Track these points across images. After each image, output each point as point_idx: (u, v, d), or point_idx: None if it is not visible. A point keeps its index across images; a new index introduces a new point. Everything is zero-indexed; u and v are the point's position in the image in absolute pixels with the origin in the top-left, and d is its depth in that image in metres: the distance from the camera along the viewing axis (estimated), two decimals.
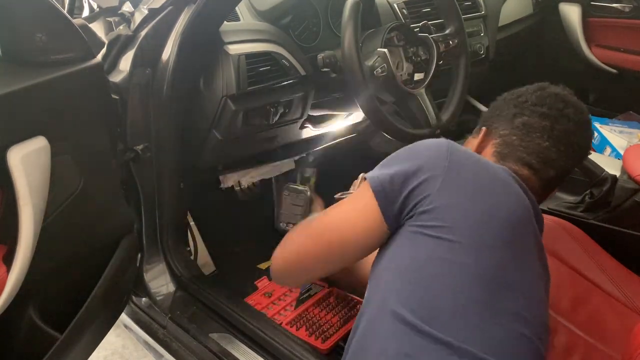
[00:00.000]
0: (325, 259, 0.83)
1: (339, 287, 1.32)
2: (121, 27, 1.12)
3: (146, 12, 1.09)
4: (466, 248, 0.69)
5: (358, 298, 1.34)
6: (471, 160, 0.76)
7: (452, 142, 0.78)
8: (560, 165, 0.84)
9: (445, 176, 0.72)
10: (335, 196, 1.15)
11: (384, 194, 0.74)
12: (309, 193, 1.42)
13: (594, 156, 1.35)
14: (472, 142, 0.94)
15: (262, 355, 1.08)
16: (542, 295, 0.76)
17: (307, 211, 1.42)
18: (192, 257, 1.38)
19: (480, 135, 0.92)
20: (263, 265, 1.55)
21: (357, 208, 0.79)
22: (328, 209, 0.85)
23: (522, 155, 0.83)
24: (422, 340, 0.66)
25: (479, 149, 0.91)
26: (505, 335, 0.68)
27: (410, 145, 0.80)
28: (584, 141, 0.87)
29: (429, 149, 0.77)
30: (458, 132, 1.66)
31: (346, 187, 1.17)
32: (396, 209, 0.74)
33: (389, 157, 0.80)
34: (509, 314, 0.69)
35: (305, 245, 0.85)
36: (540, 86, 0.90)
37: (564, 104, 0.85)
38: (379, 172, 0.77)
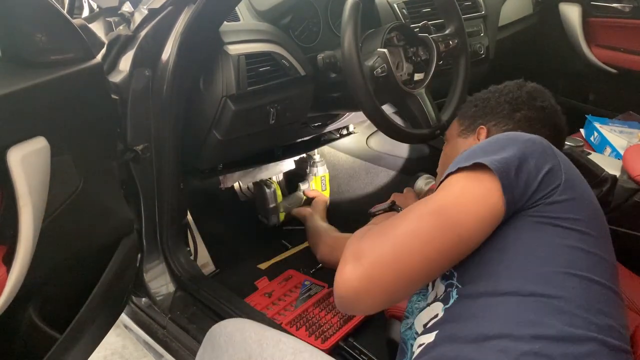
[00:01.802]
0: (446, 255, 0.68)
1: (330, 264, 1.30)
2: (121, 28, 1.12)
3: (146, 12, 1.09)
4: (597, 239, 0.70)
5: None
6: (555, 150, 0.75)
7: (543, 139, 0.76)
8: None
9: (564, 168, 0.71)
10: (370, 211, 1.15)
11: (508, 180, 0.67)
12: (272, 187, 1.56)
13: (594, 156, 1.35)
14: (471, 142, 0.95)
15: None
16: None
17: (269, 206, 1.56)
18: (192, 257, 1.38)
19: (483, 134, 0.95)
20: (263, 266, 1.55)
21: (477, 193, 0.68)
22: (428, 198, 0.72)
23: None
24: (570, 318, 0.63)
25: (473, 140, 0.95)
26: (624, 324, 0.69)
27: (511, 134, 0.76)
28: (563, 122, 1.00)
29: (534, 140, 0.73)
30: None
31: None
32: (517, 196, 0.68)
33: (489, 144, 0.74)
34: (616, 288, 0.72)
35: (415, 240, 0.67)
36: (521, 83, 1.03)
37: (546, 95, 1.00)
38: (492, 157, 0.69)
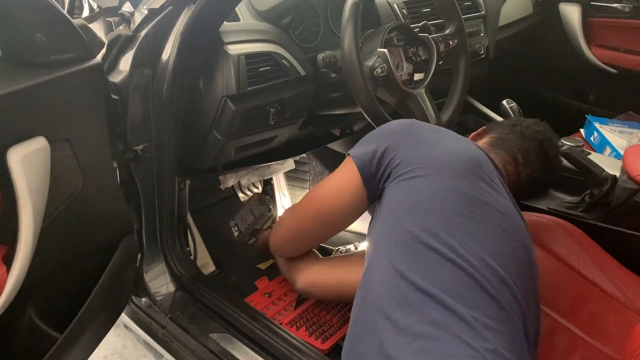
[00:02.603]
0: (319, 226, 1.03)
1: (317, 294, 1.22)
2: (121, 28, 1.12)
3: (146, 12, 1.09)
4: (436, 176, 0.85)
5: None
6: (431, 127, 0.97)
7: (415, 121, 0.97)
8: (536, 169, 1.02)
9: (408, 140, 0.90)
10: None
11: (363, 165, 0.90)
12: (272, 210, 1.45)
13: (594, 156, 1.35)
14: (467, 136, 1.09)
15: (262, 356, 1.08)
16: (518, 217, 0.89)
17: (253, 225, 1.46)
18: (192, 257, 1.38)
19: (479, 130, 1.10)
20: (263, 265, 1.55)
21: (341, 178, 0.96)
22: (314, 186, 1.03)
23: (513, 148, 1.01)
24: (423, 248, 0.78)
25: (473, 139, 1.08)
26: (495, 239, 0.81)
27: (381, 126, 0.98)
28: (553, 155, 1.07)
29: (393, 128, 0.95)
30: (458, 132, 1.66)
31: None
32: (372, 173, 0.90)
33: (365, 137, 0.96)
34: (492, 224, 0.82)
35: (300, 217, 1.06)
36: (536, 131, 1.08)
37: (548, 135, 1.07)
38: (358, 149, 0.93)
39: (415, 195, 0.84)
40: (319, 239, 1.12)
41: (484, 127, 1.11)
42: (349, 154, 0.94)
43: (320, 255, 1.18)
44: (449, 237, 0.79)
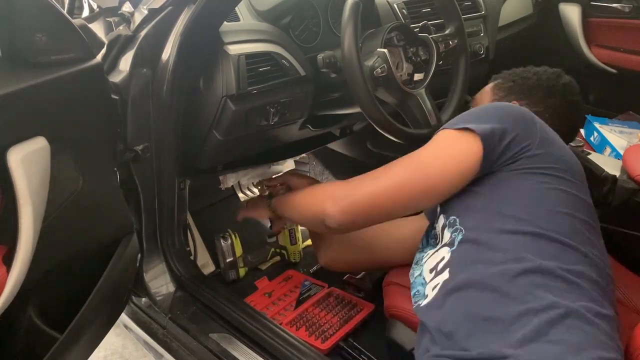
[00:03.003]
0: (420, 194, 0.88)
1: (333, 267, 1.29)
2: (121, 28, 1.12)
3: (146, 12, 1.09)
4: (569, 180, 0.84)
5: (358, 298, 1.34)
6: (544, 123, 0.90)
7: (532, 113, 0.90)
8: (561, 124, 1.01)
9: (537, 133, 0.85)
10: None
11: (489, 143, 0.83)
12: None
13: (594, 156, 1.35)
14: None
15: (262, 356, 1.08)
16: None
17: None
18: (192, 257, 1.38)
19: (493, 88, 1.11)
20: (263, 266, 1.55)
21: (460, 151, 0.85)
22: (421, 149, 0.90)
23: (545, 115, 0.99)
24: (554, 242, 0.78)
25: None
26: (605, 252, 0.84)
27: (502, 107, 0.91)
28: (580, 120, 1.15)
29: (519, 114, 0.88)
30: None
31: None
32: (497, 154, 0.83)
33: (479, 112, 0.91)
34: (600, 236, 0.85)
35: (398, 186, 0.88)
36: (559, 72, 1.09)
37: (577, 91, 1.07)
38: (482, 126, 0.84)
39: (553, 195, 0.82)
40: (389, 218, 0.95)
41: (514, 101, 1.06)
42: (469, 128, 0.84)
43: None
44: (592, 247, 0.81)
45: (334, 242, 1.24)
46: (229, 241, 1.46)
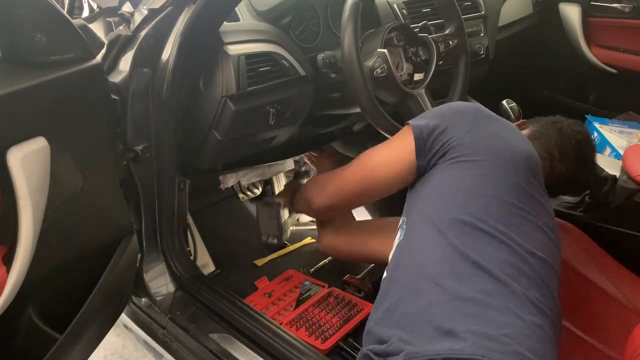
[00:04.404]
0: (364, 192, 1.07)
1: (329, 252, 1.40)
2: (121, 28, 1.12)
3: (146, 12, 1.09)
4: (498, 166, 0.86)
5: (357, 298, 1.34)
6: (496, 117, 0.96)
7: (482, 107, 0.97)
8: (569, 166, 1.04)
9: (472, 125, 0.90)
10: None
11: (420, 136, 0.91)
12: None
13: None
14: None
15: (262, 356, 1.08)
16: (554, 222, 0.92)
17: (281, 223, 1.46)
18: (192, 257, 1.38)
19: (519, 122, 1.13)
20: (259, 262, 1.55)
21: (394, 147, 0.98)
22: (367, 151, 1.06)
23: (550, 143, 1.04)
24: (479, 231, 0.81)
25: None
26: (542, 238, 0.85)
27: (447, 105, 1.00)
28: (590, 157, 1.11)
29: (459, 109, 0.96)
30: None
31: None
32: (428, 147, 0.91)
33: (429, 111, 1.02)
34: (542, 222, 0.86)
35: (346, 181, 1.09)
36: (577, 130, 1.11)
37: (586, 136, 1.10)
38: (419, 121, 0.95)
39: (475, 180, 0.86)
40: (360, 203, 1.24)
41: (525, 119, 1.14)
42: (408, 123, 0.95)
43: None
44: (505, 226, 0.82)
45: (332, 230, 1.30)
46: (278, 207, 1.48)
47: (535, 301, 0.77)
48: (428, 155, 0.91)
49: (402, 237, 0.91)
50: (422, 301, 0.77)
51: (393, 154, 0.98)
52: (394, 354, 0.74)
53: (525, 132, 1.09)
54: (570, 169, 1.04)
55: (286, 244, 1.56)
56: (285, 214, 1.49)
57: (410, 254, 0.86)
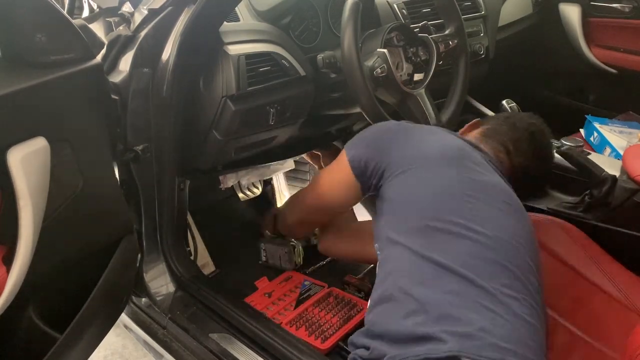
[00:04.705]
0: (319, 214, 1.23)
1: (329, 253, 1.43)
2: (121, 28, 1.12)
3: (146, 12, 1.09)
4: (431, 166, 0.91)
5: (357, 298, 1.34)
6: (417, 126, 1.04)
7: (402, 122, 1.04)
8: (527, 158, 1.04)
9: (396, 141, 0.96)
10: None
11: (355, 165, 0.98)
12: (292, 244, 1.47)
13: (593, 156, 1.35)
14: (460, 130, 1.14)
15: (262, 355, 1.08)
16: (514, 195, 0.94)
17: (292, 258, 1.48)
18: (192, 257, 1.38)
19: (472, 122, 1.13)
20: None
21: (335, 174, 1.07)
22: (315, 179, 1.17)
23: (504, 139, 1.04)
24: (436, 231, 0.83)
25: (464, 132, 1.11)
26: (501, 217, 0.86)
27: (369, 130, 1.04)
28: (545, 146, 1.10)
29: (382, 130, 1.02)
30: (457, 131, 1.66)
31: None
32: (365, 173, 0.98)
33: (358, 135, 1.04)
34: (495, 200, 0.88)
35: (301, 207, 1.25)
36: (530, 124, 1.12)
37: (540, 127, 1.10)
38: (351, 151, 1.01)
39: (416, 185, 0.90)
40: (322, 221, 1.29)
41: (478, 119, 1.15)
42: (344, 149, 1.02)
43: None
44: (459, 217, 0.83)
45: (332, 231, 1.34)
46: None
47: (503, 288, 0.78)
48: (369, 181, 0.97)
49: (378, 263, 0.93)
50: (396, 314, 0.79)
51: (336, 177, 1.05)
52: (377, 359, 0.77)
53: (478, 130, 1.10)
54: (528, 161, 1.04)
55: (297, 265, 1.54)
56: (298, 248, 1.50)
57: (384, 276, 0.87)
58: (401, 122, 1.05)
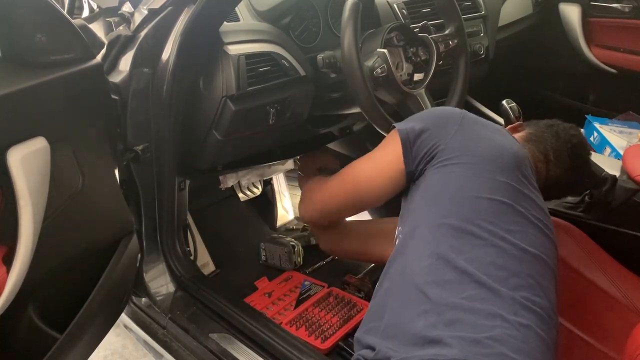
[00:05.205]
0: (354, 202, 1.08)
1: (332, 253, 1.41)
2: (121, 28, 1.12)
3: (146, 12, 1.09)
4: (484, 166, 0.87)
5: (357, 298, 1.34)
6: (481, 120, 0.97)
7: (467, 112, 0.97)
8: (565, 170, 1.03)
9: (458, 128, 0.91)
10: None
11: (407, 140, 0.92)
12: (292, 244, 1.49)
13: (593, 156, 1.35)
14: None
15: (261, 355, 1.08)
16: (550, 217, 0.92)
17: (291, 258, 1.49)
18: (192, 257, 1.38)
19: (515, 124, 1.12)
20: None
21: (382, 157, 0.98)
22: (354, 163, 1.05)
23: (546, 146, 1.03)
24: (467, 234, 0.81)
25: (509, 131, 1.06)
26: (535, 234, 0.85)
27: (432, 110, 1.03)
28: (585, 161, 1.09)
29: (445, 114, 0.97)
30: None
31: None
32: (415, 151, 0.91)
33: (414, 115, 0.99)
34: (534, 217, 0.86)
35: (336, 192, 1.09)
36: (572, 134, 1.10)
37: (581, 140, 1.08)
38: (405, 124, 0.95)
39: (462, 182, 0.86)
40: (352, 213, 1.17)
41: (521, 122, 1.13)
42: (394, 126, 0.96)
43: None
44: (494, 225, 0.82)
45: (333, 229, 1.29)
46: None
47: (524, 301, 0.77)
48: (416, 161, 0.91)
49: (396, 247, 0.91)
50: (407, 311, 0.78)
51: (381, 164, 0.98)
52: None
53: (520, 134, 1.08)
54: (565, 173, 1.03)
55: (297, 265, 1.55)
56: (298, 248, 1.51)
57: (401, 265, 0.86)
58: (464, 110, 0.98)
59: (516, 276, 0.79)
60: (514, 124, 1.13)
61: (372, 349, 0.79)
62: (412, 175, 0.93)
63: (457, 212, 0.83)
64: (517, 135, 1.07)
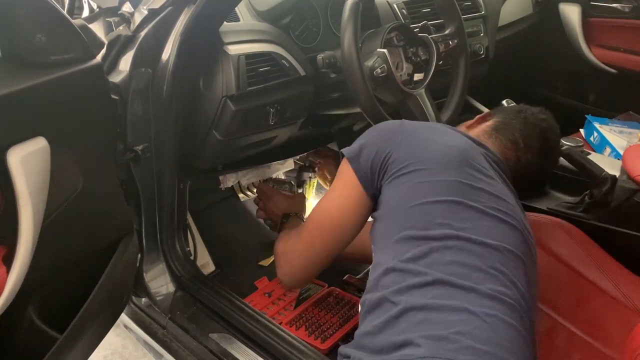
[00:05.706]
0: (332, 244, 1.02)
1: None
2: (121, 28, 1.12)
3: (146, 12, 1.09)
4: (432, 169, 0.88)
5: (357, 298, 1.34)
6: (422, 124, 1.01)
7: (405, 120, 1.00)
8: (535, 155, 1.02)
9: (400, 138, 0.93)
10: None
11: (359, 167, 0.93)
12: (293, 183, 1.49)
13: (593, 156, 1.35)
14: (467, 122, 1.11)
15: (261, 355, 1.08)
16: (514, 201, 0.93)
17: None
18: (192, 257, 1.38)
19: (484, 114, 1.10)
20: (265, 262, 1.55)
21: (341, 191, 0.98)
22: (317, 206, 1.04)
23: (515, 134, 1.02)
24: (425, 240, 0.82)
25: (474, 124, 1.09)
26: (493, 225, 0.85)
27: (372, 128, 1.00)
28: (555, 145, 1.08)
29: (385, 128, 0.98)
30: None
31: None
32: (369, 174, 0.93)
33: (357, 139, 0.98)
34: (490, 208, 0.86)
35: (310, 241, 1.04)
36: (541, 119, 1.09)
37: (550, 124, 1.07)
38: (352, 148, 0.96)
39: (412, 190, 0.87)
40: (334, 253, 1.04)
41: (490, 110, 1.12)
42: (342, 154, 0.97)
43: None
44: (449, 226, 0.82)
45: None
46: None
47: (490, 292, 0.77)
48: (372, 180, 0.93)
49: (372, 264, 0.92)
50: (378, 321, 0.79)
51: (344, 193, 0.97)
52: None
53: (488, 123, 1.08)
54: (536, 158, 1.02)
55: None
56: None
57: (372, 281, 0.87)
58: (402, 120, 1.01)
59: (478, 270, 0.79)
60: (482, 114, 1.12)
61: (347, 357, 0.81)
62: (374, 195, 0.94)
63: (410, 223, 0.85)
64: (485, 125, 1.07)
